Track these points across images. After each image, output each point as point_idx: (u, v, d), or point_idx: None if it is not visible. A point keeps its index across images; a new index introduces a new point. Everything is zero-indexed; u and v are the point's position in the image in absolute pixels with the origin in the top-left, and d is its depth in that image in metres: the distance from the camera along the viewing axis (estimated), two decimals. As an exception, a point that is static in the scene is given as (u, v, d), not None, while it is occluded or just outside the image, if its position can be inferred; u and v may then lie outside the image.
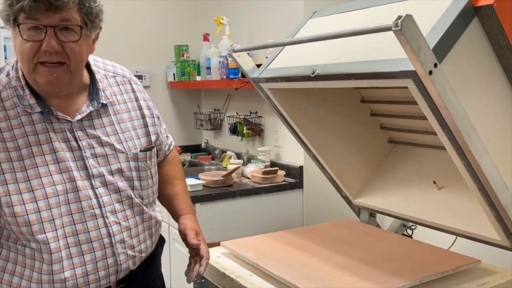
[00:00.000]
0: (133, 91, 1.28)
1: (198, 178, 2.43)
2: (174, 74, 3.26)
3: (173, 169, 1.43)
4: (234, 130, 2.94)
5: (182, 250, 2.15)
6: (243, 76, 2.53)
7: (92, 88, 1.19)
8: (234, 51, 1.54)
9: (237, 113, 2.98)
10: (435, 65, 1.00)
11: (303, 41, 1.25)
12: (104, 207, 1.15)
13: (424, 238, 1.58)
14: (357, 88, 1.69)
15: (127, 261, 1.18)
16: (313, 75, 1.29)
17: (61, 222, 1.10)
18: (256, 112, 2.83)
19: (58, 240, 1.09)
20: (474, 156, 1.09)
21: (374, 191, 1.69)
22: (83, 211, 1.12)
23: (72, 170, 1.12)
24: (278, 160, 2.69)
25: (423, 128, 1.56)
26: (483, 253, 1.39)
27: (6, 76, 1.13)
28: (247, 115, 2.85)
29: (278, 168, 2.53)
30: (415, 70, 1.01)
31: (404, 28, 0.93)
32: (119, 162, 1.19)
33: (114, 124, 1.21)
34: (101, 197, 1.14)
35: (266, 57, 1.91)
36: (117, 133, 1.21)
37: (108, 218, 1.15)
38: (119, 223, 1.16)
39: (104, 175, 1.15)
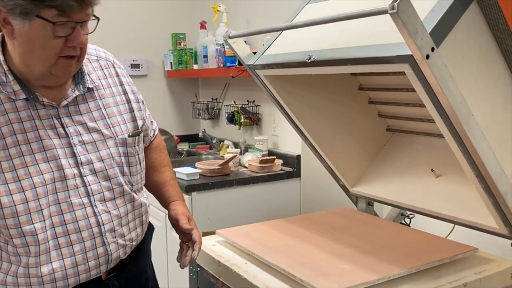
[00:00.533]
0: (117, 75, 1.26)
1: (195, 167, 2.42)
2: (171, 63, 3.23)
3: (159, 155, 1.41)
4: (231, 119, 2.93)
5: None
6: (240, 64, 2.51)
7: (77, 73, 1.16)
8: (230, 37, 1.52)
9: (234, 102, 2.96)
10: (432, 49, 0.97)
11: (299, 26, 1.23)
12: (93, 195, 1.13)
13: (422, 227, 1.56)
14: (355, 75, 1.67)
15: (117, 250, 1.17)
16: (309, 60, 1.26)
17: (49, 212, 1.07)
18: (253, 101, 2.81)
19: (46, 231, 1.07)
20: (472, 143, 1.08)
21: (371, 180, 1.68)
22: (71, 200, 1.10)
23: (60, 158, 1.09)
24: (275, 149, 2.67)
25: (421, 116, 1.54)
26: (481, 242, 1.38)
27: None
28: (245, 104, 2.83)
29: (275, 157, 2.52)
30: (412, 54, 0.98)
31: (401, 10, 0.91)
32: (108, 148, 1.17)
33: (101, 109, 1.18)
34: (89, 185, 1.12)
35: (263, 45, 1.88)
36: (105, 118, 1.18)
37: (97, 207, 1.13)
38: (109, 211, 1.15)
39: (93, 162, 1.13)
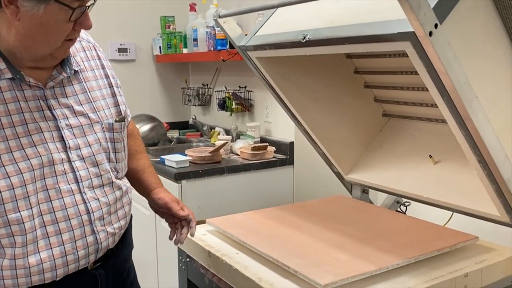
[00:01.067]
0: (99, 58, 1.21)
1: (185, 155, 2.36)
2: (160, 47, 3.15)
3: (134, 142, 1.36)
4: (222, 106, 2.86)
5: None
6: (231, 47, 2.44)
7: None
8: (220, 17, 1.45)
9: (225, 87, 2.89)
10: (436, 26, 0.91)
11: (294, 3, 1.16)
12: (82, 181, 1.08)
13: (418, 216, 1.52)
14: (351, 58, 1.61)
15: (107, 239, 1.13)
16: (304, 40, 1.20)
17: (37, 199, 1.02)
18: (245, 87, 2.74)
19: (34, 219, 1.01)
20: (475, 126, 1.02)
21: (367, 167, 1.63)
22: (59, 187, 1.04)
23: (47, 142, 1.03)
24: (268, 136, 2.62)
25: (419, 100, 1.49)
26: (479, 231, 1.34)
27: None
28: (236, 90, 2.76)
29: (268, 144, 2.46)
30: (413, 32, 0.92)
31: (403, -17, 0.85)
32: (95, 133, 1.12)
33: (86, 92, 1.14)
34: (78, 171, 1.07)
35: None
36: (91, 102, 1.14)
37: (86, 194, 1.08)
38: (98, 199, 1.10)
39: (80, 148, 1.08)
